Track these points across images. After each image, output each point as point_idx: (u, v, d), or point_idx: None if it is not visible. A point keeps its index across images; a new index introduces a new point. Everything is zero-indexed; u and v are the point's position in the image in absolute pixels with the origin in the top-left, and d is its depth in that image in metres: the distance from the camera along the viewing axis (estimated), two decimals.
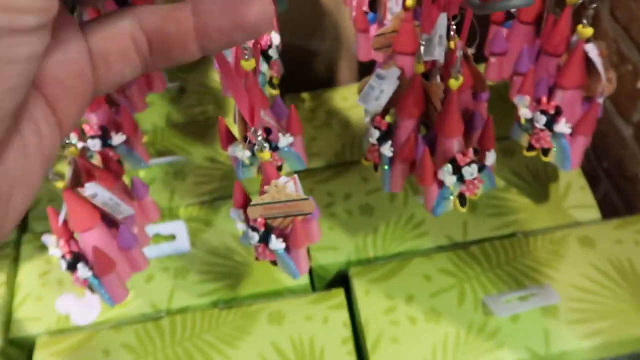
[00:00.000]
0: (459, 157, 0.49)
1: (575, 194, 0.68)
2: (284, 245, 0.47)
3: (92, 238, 0.48)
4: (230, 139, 0.53)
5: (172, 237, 0.67)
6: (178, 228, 0.67)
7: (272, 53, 0.58)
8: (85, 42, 0.20)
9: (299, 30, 0.84)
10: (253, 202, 0.45)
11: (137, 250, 0.51)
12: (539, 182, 0.69)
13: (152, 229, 0.67)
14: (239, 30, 0.20)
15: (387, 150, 0.52)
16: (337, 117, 0.77)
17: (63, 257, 0.49)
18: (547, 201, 0.68)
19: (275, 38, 0.59)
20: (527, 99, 0.52)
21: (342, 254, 0.66)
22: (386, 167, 0.53)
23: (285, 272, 0.51)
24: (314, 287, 0.67)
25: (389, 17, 0.60)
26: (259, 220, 0.47)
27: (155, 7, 0.21)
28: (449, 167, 0.49)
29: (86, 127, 0.55)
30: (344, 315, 0.61)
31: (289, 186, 0.44)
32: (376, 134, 0.53)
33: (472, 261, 0.63)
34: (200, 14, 0.20)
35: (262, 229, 0.47)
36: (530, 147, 0.54)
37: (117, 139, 0.56)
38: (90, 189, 0.46)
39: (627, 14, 0.62)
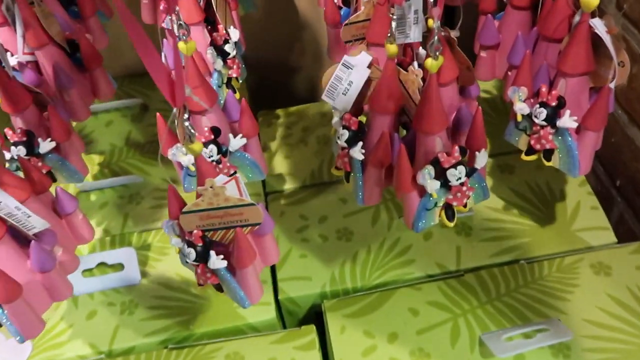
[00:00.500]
0: (442, 157, 0.41)
1: (585, 215, 0.59)
2: (224, 263, 0.38)
3: None
4: (171, 142, 0.45)
5: (120, 267, 0.58)
6: (126, 256, 0.58)
7: (229, 49, 0.51)
8: None
9: (277, 44, 0.78)
10: (185, 209, 0.37)
11: (56, 273, 0.43)
12: (543, 201, 0.60)
13: (96, 257, 0.58)
14: None
15: (357, 152, 0.44)
16: (314, 133, 0.69)
17: None
18: (553, 223, 0.59)
19: (234, 33, 0.52)
20: (524, 90, 0.44)
21: (316, 284, 0.56)
22: (358, 174, 0.45)
23: (233, 300, 0.41)
24: (284, 324, 0.58)
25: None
26: (195, 232, 0.38)
27: None
28: (430, 170, 0.41)
29: (9, 132, 0.47)
30: (315, 356, 0.51)
31: (228, 187, 0.36)
32: (345, 134, 0.44)
33: (467, 292, 0.54)
34: None
35: (200, 244, 0.38)
36: (530, 150, 0.46)
37: (45, 145, 0.48)
38: None
39: (638, 5, 0.54)
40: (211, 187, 0.35)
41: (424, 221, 0.43)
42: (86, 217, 0.47)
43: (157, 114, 0.44)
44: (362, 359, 0.51)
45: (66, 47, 0.53)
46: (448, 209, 0.43)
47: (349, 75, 0.43)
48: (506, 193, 0.61)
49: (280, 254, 0.49)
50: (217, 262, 0.38)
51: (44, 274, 0.42)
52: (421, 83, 0.42)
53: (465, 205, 0.43)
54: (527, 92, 0.44)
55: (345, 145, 0.45)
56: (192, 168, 0.45)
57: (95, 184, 0.64)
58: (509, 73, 0.49)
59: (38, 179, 0.45)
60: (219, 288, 0.41)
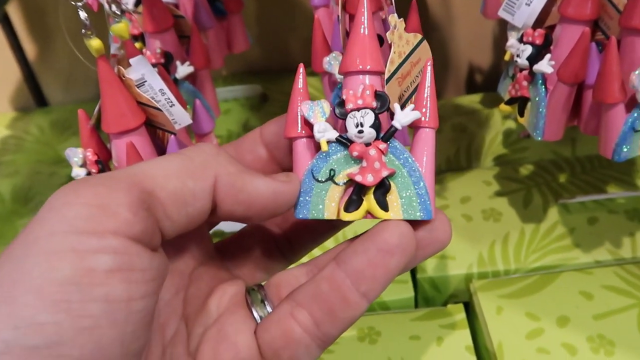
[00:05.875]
0: None
1: None
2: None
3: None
4: (326, 53, 0.40)
5: None
6: None
7: None
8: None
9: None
10: (387, 77, 0.29)
11: None
12: None
13: None
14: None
15: (544, 65, 0.37)
16: (449, 122, 0.63)
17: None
18: None
19: None
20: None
21: (461, 264, 0.48)
22: (541, 95, 0.38)
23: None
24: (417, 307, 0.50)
25: None
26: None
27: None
28: None
29: (147, 53, 0.44)
30: (465, 336, 0.43)
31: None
32: (528, 49, 0.38)
33: None
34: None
35: None
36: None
37: (183, 69, 0.44)
38: (137, 67, 0.33)
39: None
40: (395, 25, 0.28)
41: (629, 146, 0.36)
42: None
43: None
44: (526, 342, 0.42)
45: None
46: None
47: None
48: None
49: None
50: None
51: None
52: None
53: None
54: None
55: (526, 64, 0.39)
56: None
57: None
58: None
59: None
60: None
